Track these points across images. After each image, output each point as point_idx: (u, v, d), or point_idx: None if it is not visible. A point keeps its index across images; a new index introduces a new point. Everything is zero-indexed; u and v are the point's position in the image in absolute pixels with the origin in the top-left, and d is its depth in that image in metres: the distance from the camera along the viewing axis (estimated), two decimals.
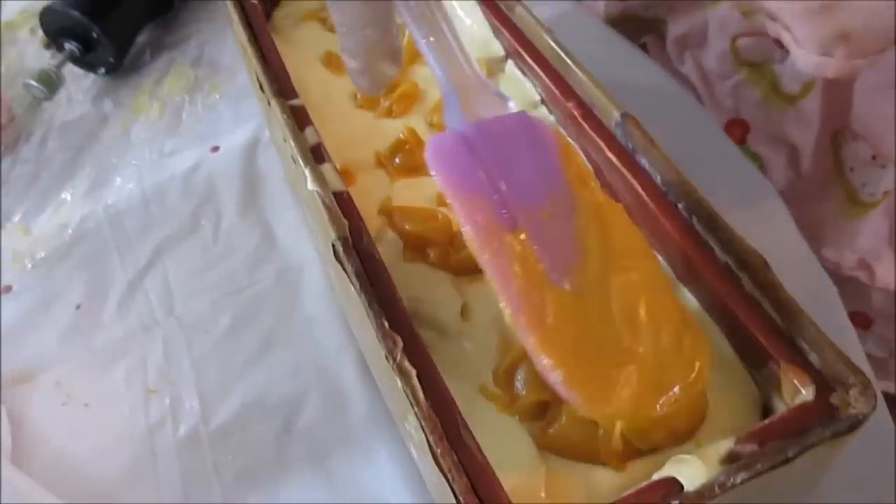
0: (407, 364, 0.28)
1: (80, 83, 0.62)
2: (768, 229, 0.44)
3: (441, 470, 0.26)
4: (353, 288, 0.31)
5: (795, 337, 0.28)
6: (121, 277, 0.50)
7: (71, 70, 0.62)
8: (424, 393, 0.28)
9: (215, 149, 0.56)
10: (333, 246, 0.32)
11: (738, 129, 0.55)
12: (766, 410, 0.30)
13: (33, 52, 0.66)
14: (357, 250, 0.32)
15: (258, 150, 0.55)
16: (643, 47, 0.61)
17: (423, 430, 0.27)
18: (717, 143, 0.50)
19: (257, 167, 0.54)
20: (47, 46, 0.65)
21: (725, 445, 0.26)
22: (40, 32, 0.64)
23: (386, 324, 0.29)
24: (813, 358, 0.27)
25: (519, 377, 0.31)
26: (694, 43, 0.56)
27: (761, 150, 0.54)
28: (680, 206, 0.32)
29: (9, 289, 0.51)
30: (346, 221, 0.33)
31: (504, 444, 0.29)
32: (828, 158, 0.53)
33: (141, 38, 0.64)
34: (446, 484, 0.26)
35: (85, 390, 0.46)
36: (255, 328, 0.46)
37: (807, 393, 0.27)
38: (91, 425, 0.44)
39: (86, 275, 0.51)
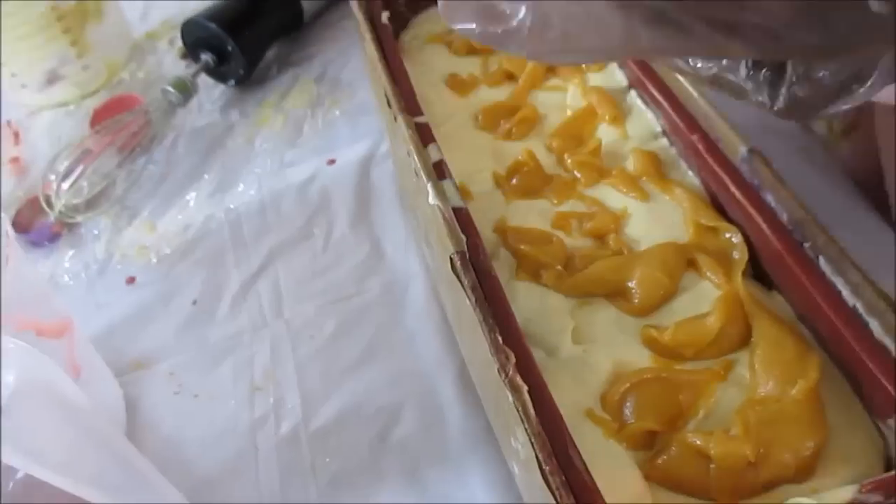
0: (519, 379, 0.28)
1: (210, 93, 0.66)
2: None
3: (550, 488, 0.26)
4: (468, 301, 0.31)
5: None
6: (235, 278, 0.53)
7: (204, 80, 0.65)
8: (535, 410, 0.28)
9: (332, 162, 0.58)
10: (451, 259, 0.33)
11: None
12: (890, 463, 0.28)
13: (170, 62, 0.70)
14: (473, 265, 0.33)
15: (372, 166, 0.57)
16: None
17: (533, 446, 0.27)
18: (839, 186, 0.48)
19: (370, 182, 0.56)
20: (183, 57, 0.69)
21: (848, 492, 0.25)
22: (178, 44, 0.68)
23: (500, 338, 0.30)
24: None
25: (629, 404, 0.30)
26: None
27: None
28: (806, 245, 0.31)
29: (133, 280, 0.54)
30: (464, 237, 0.34)
31: (609, 470, 0.29)
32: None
33: (269, 54, 0.68)
34: (554, 502, 0.26)
35: (196, 382, 0.48)
36: (357, 336, 0.48)
37: None
38: (199, 416, 0.46)
39: (204, 273, 0.53)
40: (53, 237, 0.58)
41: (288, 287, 0.52)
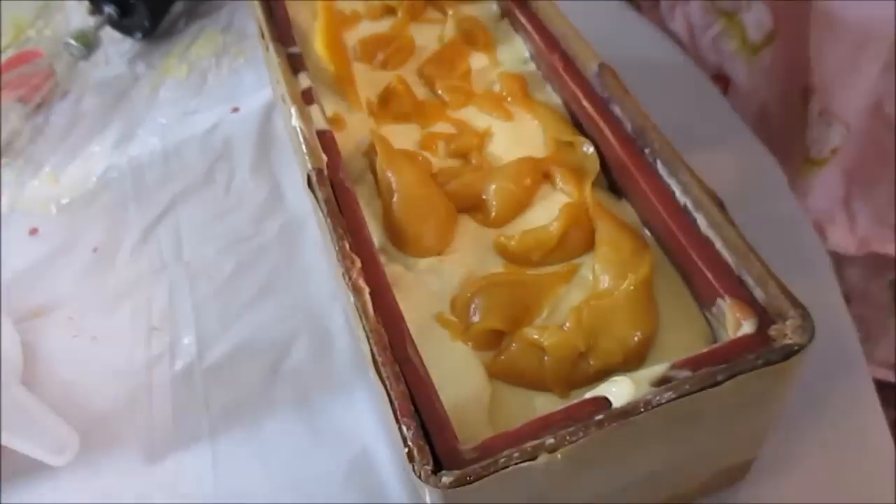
0: (361, 282, 0.29)
1: (117, 47, 0.66)
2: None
3: (381, 378, 0.27)
4: (321, 214, 0.32)
5: (743, 274, 0.28)
6: (136, 224, 0.53)
7: (110, 35, 0.65)
8: (374, 309, 0.29)
9: (235, 109, 0.58)
10: (308, 176, 0.33)
11: (720, 84, 0.55)
12: None
13: (78, 19, 0.69)
14: (332, 183, 0.33)
15: (275, 113, 0.57)
16: (636, 6, 0.62)
17: (369, 341, 0.28)
18: (716, 109, 0.50)
19: (272, 129, 0.56)
20: (92, 13, 0.68)
21: (659, 369, 0.26)
22: (86, 1, 0.67)
23: (347, 245, 0.31)
24: (758, 294, 0.28)
25: (475, 306, 0.31)
26: None
27: (738, 107, 0.54)
28: (646, 151, 0.33)
29: (35, 231, 0.54)
30: (324, 156, 0.34)
31: (453, 367, 0.30)
32: (794, 115, 0.53)
33: (178, 6, 0.67)
34: (384, 392, 0.27)
35: (94, 326, 0.48)
36: (255, 275, 0.48)
37: (748, 326, 0.27)
38: (96, 358, 0.47)
39: (105, 221, 0.53)
40: None
41: (188, 231, 0.52)
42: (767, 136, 0.53)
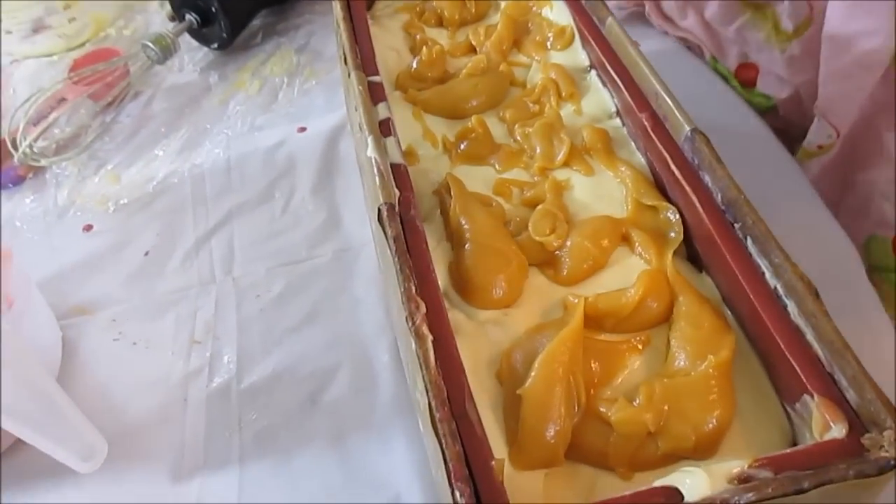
0: (425, 329, 0.28)
1: (193, 55, 0.66)
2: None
3: (437, 435, 0.25)
4: (388, 251, 0.31)
5: (835, 372, 0.26)
6: (191, 233, 0.52)
7: (187, 42, 0.66)
8: (436, 359, 0.27)
9: (302, 129, 0.58)
10: (379, 210, 0.32)
11: (750, 72, 0.53)
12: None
13: (159, 22, 0.70)
14: (402, 219, 0.32)
15: (341, 137, 0.57)
16: (642, 14, 0.60)
17: (428, 394, 0.26)
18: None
19: (337, 152, 0.56)
20: (171, 19, 0.69)
21: (738, 465, 0.24)
22: (167, 6, 0.68)
23: (413, 288, 0.29)
24: (850, 396, 0.26)
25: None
26: None
27: (772, 92, 0.52)
28: (737, 226, 0.31)
29: (90, 228, 0.54)
30: (396, 191, 0.33)
31: None
32: None
33: (255, 22, 0.68)
34: (439, 450, 0.25)
35: (136, 331, 0.47)
36: (303, 300, 0.47)
37: (837, 430, 0.25)
38: (135, 364, 0.46)
39: (160, 225, 0.53)
40: (18, 180, 0.58)
41: (242, 246, 0.51)
42: (801, 121, 0.52)
